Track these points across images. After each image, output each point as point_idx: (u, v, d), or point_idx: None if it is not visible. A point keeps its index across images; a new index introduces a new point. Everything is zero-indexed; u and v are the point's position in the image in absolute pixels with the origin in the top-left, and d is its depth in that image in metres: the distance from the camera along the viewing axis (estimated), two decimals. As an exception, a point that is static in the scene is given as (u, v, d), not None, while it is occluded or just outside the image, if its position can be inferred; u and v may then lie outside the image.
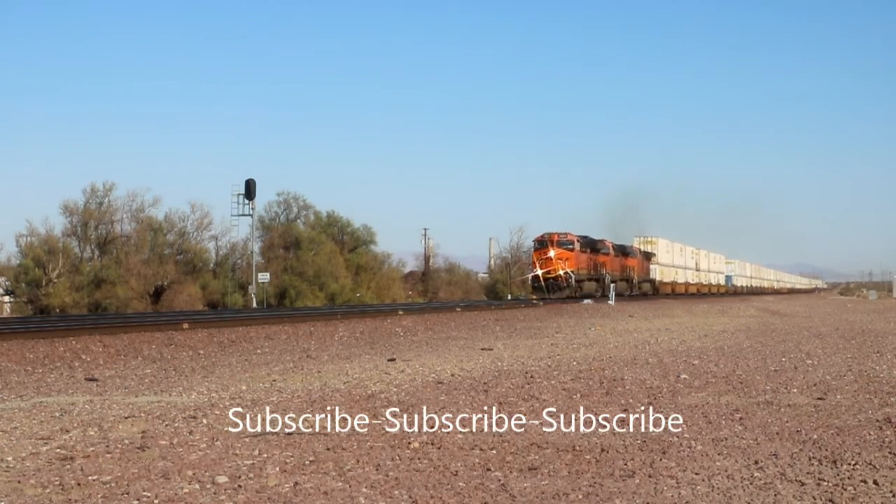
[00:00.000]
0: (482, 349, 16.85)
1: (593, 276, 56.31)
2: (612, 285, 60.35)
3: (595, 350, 16.78)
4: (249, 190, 50.22)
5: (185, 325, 20.41)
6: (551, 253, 51.35)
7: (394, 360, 14.45)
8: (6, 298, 56.56)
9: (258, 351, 16.46)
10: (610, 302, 47.76)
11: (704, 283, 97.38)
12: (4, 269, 59.40)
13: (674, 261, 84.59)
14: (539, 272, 51.43)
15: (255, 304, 48.18)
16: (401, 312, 29.05)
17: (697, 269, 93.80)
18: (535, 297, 52.14)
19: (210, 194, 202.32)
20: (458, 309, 33.40)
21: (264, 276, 51.18)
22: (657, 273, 76.44)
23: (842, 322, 29.53)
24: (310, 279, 65.07)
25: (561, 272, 51.10)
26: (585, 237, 55.88)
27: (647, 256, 74.05)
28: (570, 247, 52.06)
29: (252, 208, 50.68)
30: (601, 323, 27.70)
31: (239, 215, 51.05)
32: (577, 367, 13.39)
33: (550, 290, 50.86)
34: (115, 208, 61.96)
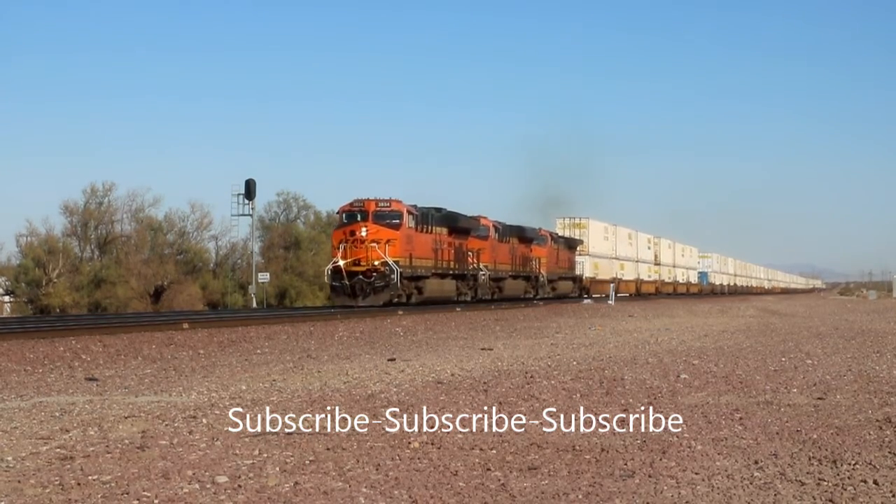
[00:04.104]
0: (482, 349, 16.85)
1: (451, 270, 37.89)
2: (615, 288, 57.54)
3: (595, 350, 16.78)
4: (249, 190, 50.20)
5: (185, 325, 20.41)
6: (363, 231, 32.25)
7: (394, 360, 14.45)
8: (6, 298, 56.59)
9: (258, 351, 16.45)
10: (610, 302, 47.76)
11: (668, 280, 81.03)
12: (4, 269, 59.46)
13: (616, 251, 67.17)
14: (340, 262, 32.07)
15: (255, 304, 48.19)
16: (401, 312, 29.03)
17: (657, 263, 78.20)
18: (335, 303, 33.73)
19: (210, 194, 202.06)
20: (457, 309, 33.39)
21: (264, 276, 51.18)
22: (588, 267, 59.73)
23: (842, 322, 29.54)
24: (310, 279, 65.09)
25: (376, 262, 31.88)
26: (438, 210, 37.37)
27: (570, 244, 56.54)
28: (396, 221, 32.99)
29: (252, 208, 50.66)
30: (601, 323, 27.71)
31: (239, 215, 51.01)
32: (577, 367, 13.39)
33: (359, 293, 31.96)
34: (115, 208, 62.15)
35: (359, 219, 32.94)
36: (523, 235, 47.40)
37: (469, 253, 39.89)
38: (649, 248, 76.93)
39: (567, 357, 15.20)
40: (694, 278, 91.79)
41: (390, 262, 31.94)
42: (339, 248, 32.54)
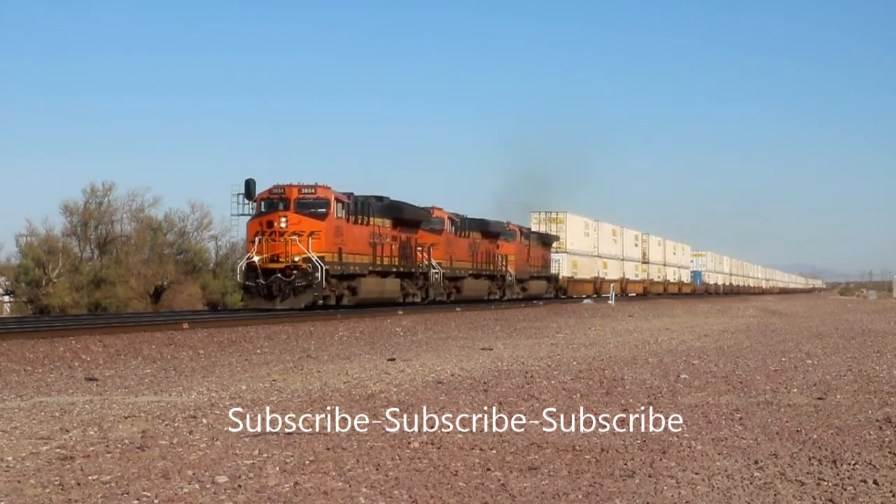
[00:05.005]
0: (482, 349, 16.85)
1: (395, 267, 33.21)
2: (611, 287, 57.15)
3: (595, 350, 16.79)
4: (249, 190, 49.98)
5: (185, 325, 20.41)
6: (282, 222, 27.83)
7: (394, 360, 14.45)
8: (6, 298, 56.55)
9: (258, 351, 16.45)
10: (610, 302, 47.72)
11: (657, 279, 76.01)
12: (4, 269, 59.40)
13: (599, 248, 61.43)
14: (255, 258, 27.64)
15: (255, 304, 48.10)
16: (401, 312, 29.01)
17: (645, 262, 73.47)
18: (246, 304, 30.08)
19: (210, 194, 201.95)
20: (457, 309, 33.38)
21: (264, 277, 51.07)
22: (565, 266, 54.40)
23: (842, 322, 29.56)
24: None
25: (296, 258, 27.40)
26: (380, 198, 32.83)
27: (544, 240, 51.47)
28: (322, 210, 28.48)
29: (252, 208, 50.53)
30: (601, 323, 27.72)
31: (239, 215, 50.82)
32: (577, 367, 13.40)
33: (276, 293, 27.46)
34: (115, 208, 62.03)
35: (279, 208, 28.40)
36: (487, 230, 42.32)
37: (419, 248, 35.14)
38: (636, 245, 71.86)
39: (567, 357, 15.20)
40: (686, 277, 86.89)
41: (314, 257, 27.37)
42: (254, 242, 28.02)
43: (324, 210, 28.46)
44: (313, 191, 28.56)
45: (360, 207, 30.72)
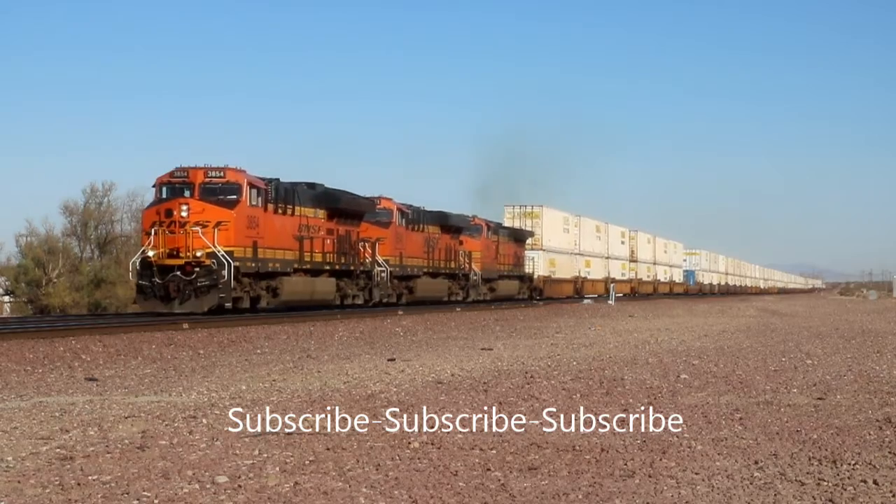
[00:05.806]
0: (482, 349, 16.85)
1: (329, 265, 29.08)
2: (611, 286, 57.06)
3: (595, 350, 16.79)
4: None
5: (185, 325, 20.41)
6: (183, 210, 23.59)
7: (394, 360, 14.45)
8: (6, 298, 56.54)
9: (258, 351, 16.46)
10: (610, 302, 47.72)
11: (646, 279, 72.24)
12: (4, 269, 59.40)
13: (580, 245, 56.95)
14: (150, 253, 23.67)
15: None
16: (401, 312, 29.05)
17: (633, 260, 69.55)
18: (142, 309, 25.58)
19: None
20: (457, 309, 33.39)
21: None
22: (541, 264, 50.04)
23: (842, 322, 29.56)
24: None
25: (199, 253, 23.40)
26: (311, 185, 28.89)
27: (517, 236, 47.67)
28: (232, 197, 24.33)
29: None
30: (601, 323, 27.72)
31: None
32: (577, 367, 13.40)
33: (174, 295, 23.64)
34: (115, 208, 62.08)
35: (183, 194, 24.03)
36: (447, 224, 38.11)
37: (362, 243, 31.17)
38: (623, 242, 67.41)
39: (567, 357, 15.21)
40: (678, 277, 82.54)
41: (220, 252, 23.28)
42: (150, 234, 23.80)
43: (234, 197, 24.26)
44: (222, 174, 24.33)
45: (284, 195, 26.65)
